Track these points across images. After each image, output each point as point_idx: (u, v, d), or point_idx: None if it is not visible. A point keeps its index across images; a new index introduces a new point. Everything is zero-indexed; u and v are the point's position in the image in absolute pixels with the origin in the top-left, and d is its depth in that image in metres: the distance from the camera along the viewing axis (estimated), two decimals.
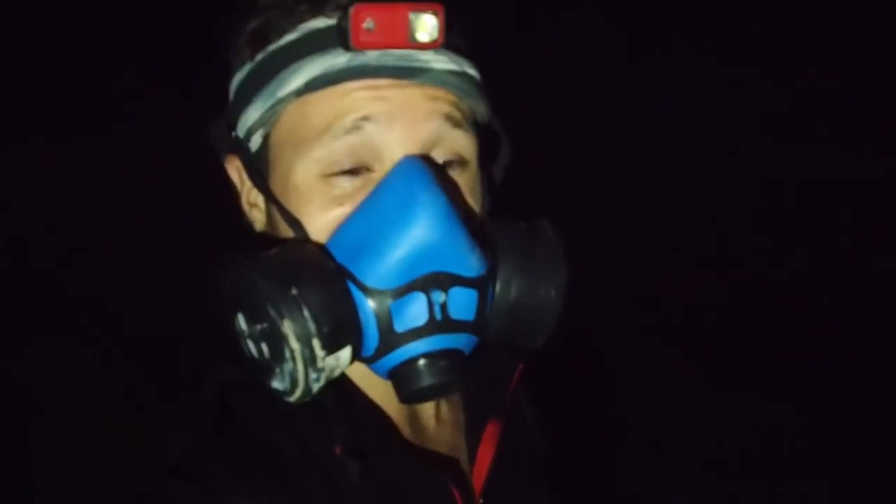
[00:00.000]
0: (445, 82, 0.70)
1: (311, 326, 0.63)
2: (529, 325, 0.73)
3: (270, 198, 0.72)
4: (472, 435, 0.81)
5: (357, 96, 0.68)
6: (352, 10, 0.65)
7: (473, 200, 0.73)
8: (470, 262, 0.68)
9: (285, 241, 0.70)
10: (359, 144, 0.68)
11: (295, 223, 0.69)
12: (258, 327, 0.65)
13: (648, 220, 3.27)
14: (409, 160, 0.68)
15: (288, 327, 0.63)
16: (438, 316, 0.67)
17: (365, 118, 0.67)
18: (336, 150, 0.68)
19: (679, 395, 2.74)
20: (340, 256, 0.67)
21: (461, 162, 0.72)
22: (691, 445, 2.61)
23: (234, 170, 0.77)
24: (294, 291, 0.63)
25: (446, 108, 0.70)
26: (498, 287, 0.71)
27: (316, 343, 0.64)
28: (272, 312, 0.63)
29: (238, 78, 0.73)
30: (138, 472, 0.69)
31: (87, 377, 2.45)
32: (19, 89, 2.92)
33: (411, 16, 0.67)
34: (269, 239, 0.74)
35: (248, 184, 0.76)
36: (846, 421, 2.68)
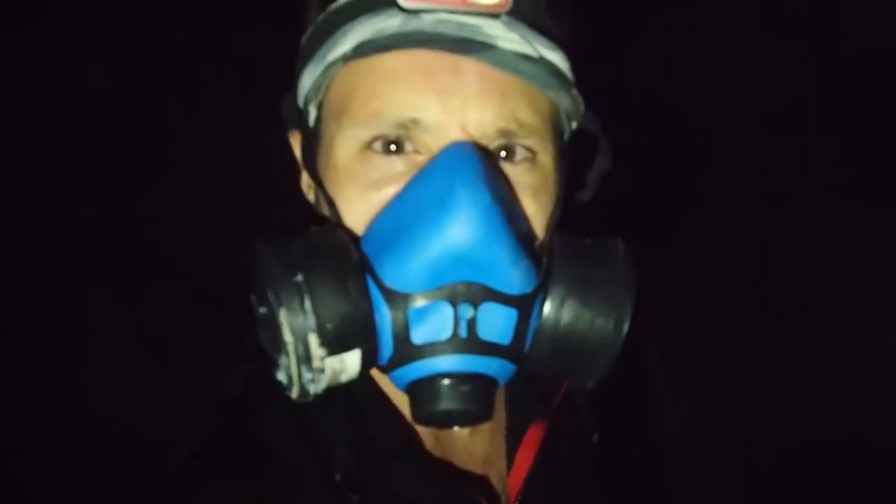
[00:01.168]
0: (515, 67, 0.60)
1: (311, 320, 0.56)
2: (579, 360, 0.61)
3: (314, 177, 0.65)
4: (513, 437, 0.72)
5: (409, 69, 0.59)
6: None
7: (537, 206, 0.63)
8: (511, 277, 0.58)
9: (321, 225, 0.63)
10: (408, 124, 0.59)
11: (332, 205, 0.62)
12: (261, 311, 0.59)
13: None
14: (456, 147, 0.58)
15: (284, 317, 0.56)
16: (464, 333, 0.57)
17: (417, 95, 0.59)
18: (380, 128, 0.60)
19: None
20: (369, 249, 0.60)
21: (529, 159, 0.62)
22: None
23: (297, 146, 0.71)
24: (299, 278, 0.56)
25: (513, 96, 0.60)
26: (546, 310, 0.60)
27: (313, 339, 0.56)
28: (271, 297, 0.56)
29: (302, 42, 0.67)
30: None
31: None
32: None
33: None
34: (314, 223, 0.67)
35: None
36: None
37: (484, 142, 0.60)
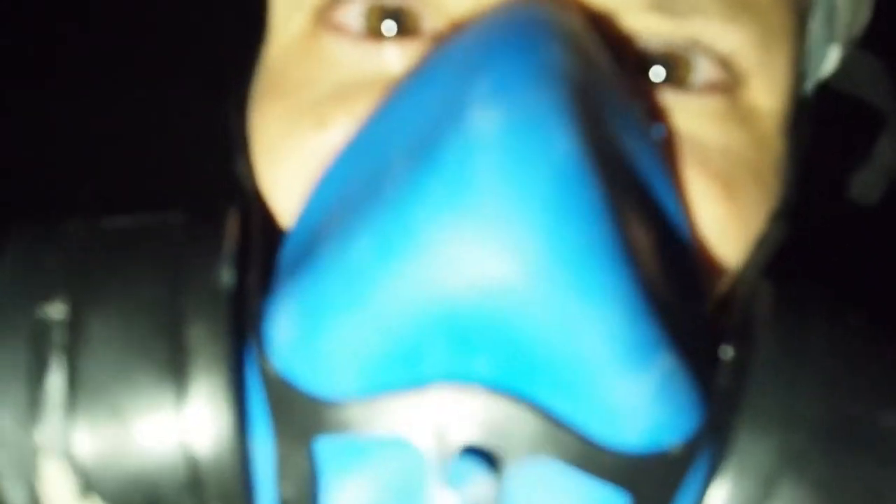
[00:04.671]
0: None
1: (55, 439, 0.21)
2: None
3: (239, 95, 0.30)
4: None
5: None
6: None
7: (727, 207, 0.24)
8: (621, 396, 0.20)
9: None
10: None
11: (244, 161, 0.27)
12: None
13: None
14: (509, 13, 0.22)
15: None
16: None
17: None
18: None
19: None
20: (285, 266, 0.24)
21: (724, 86, 0.25)
22: None
23: None
24: (55, 313, 0.21)
25: None
26: (720, 486, 0.21)
27: (58, 481, 0.21)
28: None
29: None
30: None
31: None
32: None
33: None
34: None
35: None
36: None
37: (601, 14, 0.24)
